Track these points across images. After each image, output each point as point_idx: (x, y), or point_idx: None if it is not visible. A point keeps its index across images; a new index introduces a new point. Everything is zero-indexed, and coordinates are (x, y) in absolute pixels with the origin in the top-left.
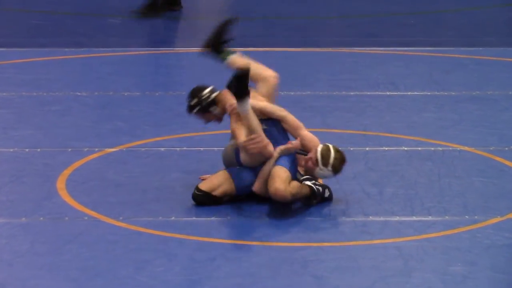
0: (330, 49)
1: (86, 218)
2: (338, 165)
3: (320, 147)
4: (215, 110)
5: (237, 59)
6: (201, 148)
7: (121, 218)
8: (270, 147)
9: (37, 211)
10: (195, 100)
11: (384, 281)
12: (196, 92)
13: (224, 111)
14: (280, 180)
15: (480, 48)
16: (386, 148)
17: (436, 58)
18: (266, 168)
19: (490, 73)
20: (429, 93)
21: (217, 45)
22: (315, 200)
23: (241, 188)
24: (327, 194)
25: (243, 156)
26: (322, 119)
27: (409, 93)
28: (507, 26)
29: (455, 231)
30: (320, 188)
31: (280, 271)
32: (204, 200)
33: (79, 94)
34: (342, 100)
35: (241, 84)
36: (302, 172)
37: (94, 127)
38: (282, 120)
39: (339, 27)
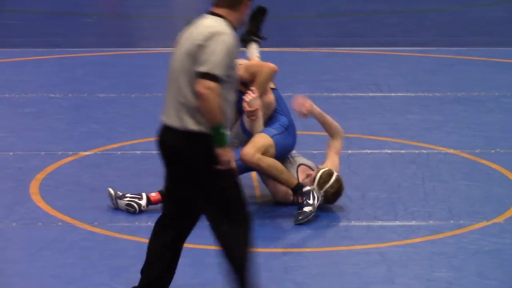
0: (310, 49)
1: (60, 223)
2: (331, 195)
3: (324, 170)
4: None
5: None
6: None
7: (96, 223)
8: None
9: (9, 216)
10: None
11: (367, 287)
12: None
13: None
14: (252, 144)
15: (465, 48)
16: (369, 151)
17: (420, 58)
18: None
19: (475, 73)
20: (413, 94)
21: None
22: (294, 197)
23: (240, 166)
24: (311, 200)
25: (246, 121)
26: (302, 121)
27: (392, 94)
28: (492, 25)
29: (440, 236)
30: (310, 191)
31: (260, 277)
32: None
33: (53, 95)
34: (323, 101)
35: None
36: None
37: (69, 130)
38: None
39: (320, 27)
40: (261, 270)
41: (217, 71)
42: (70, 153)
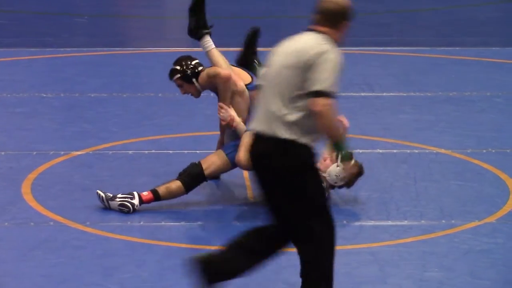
0: None
1: (52, 223)
2: (354, 175)
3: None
4: (196, 83)
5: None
6: (170, 151)
7: (88, 223)
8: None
9: (1, 216)
10: (180, 67)
11: (359, 287)
12: (183, 60)
13: (203, 89)
14: (244, 148)
15: (458, 48)
16: (361, 151)
17: (412, 58)
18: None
19: (467, 73)
20: (405, 94)
21: (246, 56)
22: None
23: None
24: None
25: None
26: None
27: (384, 94)
28: (484, 25)
29: (432, 235)
30: None
31: (252, 277)
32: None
33: (44, 95)
34: None
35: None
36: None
37: (60, 129)
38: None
39: None
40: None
41: (331, 88)
42: (62, 152)
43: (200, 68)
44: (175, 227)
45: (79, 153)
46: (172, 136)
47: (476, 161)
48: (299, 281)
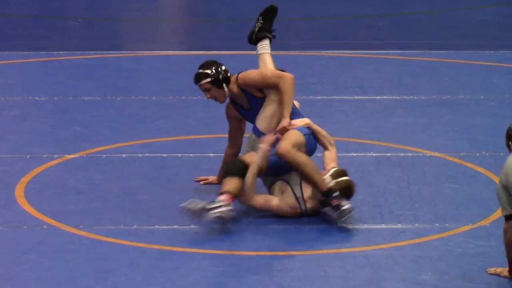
0: (296, 52)
1: (45, 226)
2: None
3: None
4: (226, 89)
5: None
6: (164, 154)
7: (81, 226)
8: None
9: None
10: (211, 71)
11: None
12: (213, 64)
13: (231, 94)
14: (288, 140)
15: (451, 51)
16: (354, 154)
17: (406, 62)
18: (249, 174)
19: (460, 76)
20: (398, 97)
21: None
22: (324, 199)
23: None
24: (344, 205)
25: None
26: None
27: (377, 97)
28: (477, 28)
29: (426, 239)
30: (340, 198)
31: (245, 280)
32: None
33: (38, 99)
34: (309, 104)
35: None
36: None
37: (54, 133)
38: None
39: (306, 30)
40: (247, 273)
41: None
42: (56, 156)
43: (229, 74)
44: (169, 230)
45: (72, 156)
46: (165, 140)
47: (469, 165)
48: (292, 284)
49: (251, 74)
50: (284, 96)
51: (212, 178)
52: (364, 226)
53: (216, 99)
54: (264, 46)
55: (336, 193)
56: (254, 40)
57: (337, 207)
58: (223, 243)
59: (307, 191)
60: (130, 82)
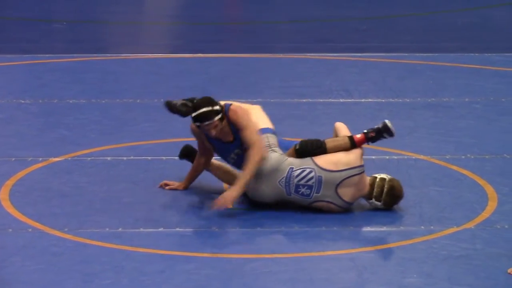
0: (281, 55)
1: (30, 229)
2: (390, 201)
3: (379, 178)
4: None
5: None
6: (149, 157)
7: (66, 229)
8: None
9: None
10: (218, 106)
11: None
12: (213, 100)
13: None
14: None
15: (436, 54)
16: None
17: (391, 64)
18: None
19: (446, 79)
20: (383, 100)
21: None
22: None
23: None
24: (380, 125)
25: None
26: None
27: (363, 100)
28: (463, 31)
29: (411, 241)
30: (371, 131)
31: (230, 283)
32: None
33: (23, 102)
34: (294, 107)
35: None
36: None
37: (39, 136)
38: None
39: (291, 32)
40: (232, 276)
41: None
42: (40, 159)
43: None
44: (154, 233)
45: (57, 159)
46: (151, 143)
47: (455, 167)
48: (277, 287)
49: (241, 115)
50: (248, 164)
51: (178, 183)
52: (350, 229)
53: (218, 132)
54: None
55: (368, 134)
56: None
57: (378, 131)
58: (208, 246)
59: (346, 193)
60: (115, 85)
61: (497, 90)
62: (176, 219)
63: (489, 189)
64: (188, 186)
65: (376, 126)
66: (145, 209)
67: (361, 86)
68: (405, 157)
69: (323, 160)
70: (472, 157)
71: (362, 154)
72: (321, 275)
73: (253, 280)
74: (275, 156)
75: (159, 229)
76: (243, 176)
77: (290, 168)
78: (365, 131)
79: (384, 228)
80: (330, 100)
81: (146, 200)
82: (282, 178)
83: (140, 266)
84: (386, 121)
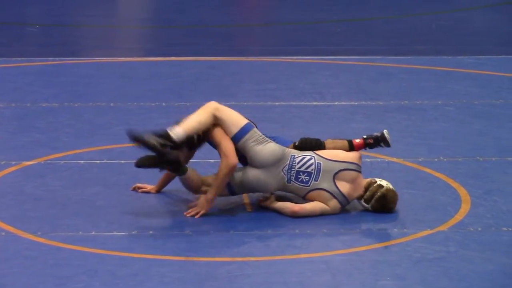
0: (254, 58)
1: (3, 233)
2: (378, 207)
3: (377, 184)
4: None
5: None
6: (122, 161)
7: (39, 233)
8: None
9: None
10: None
11: None
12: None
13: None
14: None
15: (409, 57)
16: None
17: (364, 67)
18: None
19: (418, 82)
20: (356, 103)
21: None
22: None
23: None
24: (378, 134)
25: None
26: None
27: (336, 103)
28: (436, 34)
29: (384, 244)
30: (369, 137)
31: (204, 287)
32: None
33: None
34: (267, 110)
35: None
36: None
37: (11, 139)
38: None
39: (264, 36)
40: (206, 280)
41: None
42: (13, 162)
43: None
44: (126, 236)
45: (30, 163)
46: (124, 146)
47: (427, 170)
48: None
49: (213, 135)
50: (219, 174)
51: (151, 187)
52: (323, 231)
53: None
54: None
55: (367, 140)
56: None
57: (376, 139)
58: (182, 249)
59: (343, 185)
60: (88, 89)
61: (470, 93)
62: (149, 222)
63: (462, 192)
64: (161, 189)
65: (375, 134)
66: (118, 212)
67: (334, 89)
68: (378, 159)
69: (322, 152)
70: (445, 159)
71: (361, 157)
72: (295, 278)
73: (226, 283)
74: (276, 146)
75: (132, 232)
76: (215, 185)
77: (292, 155)
78: (364, 136)
79: (357, 231)
80: (303, 103)
81: (119, 203)
82: (285, 165)
83: (113, 270)
84: (385, 131)
